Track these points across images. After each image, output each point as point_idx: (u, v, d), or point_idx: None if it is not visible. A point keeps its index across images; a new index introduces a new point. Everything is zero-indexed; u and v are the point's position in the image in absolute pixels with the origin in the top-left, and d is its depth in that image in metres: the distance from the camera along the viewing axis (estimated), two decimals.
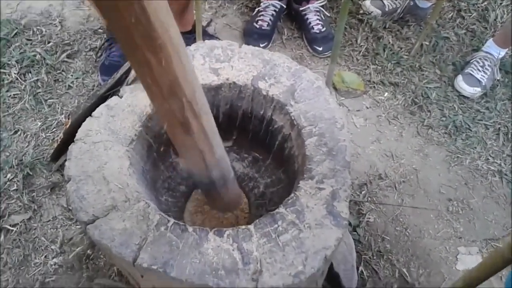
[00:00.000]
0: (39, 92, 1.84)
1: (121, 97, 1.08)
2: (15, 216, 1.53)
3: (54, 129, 1.74)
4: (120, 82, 1.10)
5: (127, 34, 0.64)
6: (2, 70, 1.88)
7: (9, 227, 1.51)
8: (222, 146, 0.95)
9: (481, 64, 1.97)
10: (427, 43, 2.11)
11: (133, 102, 1.07)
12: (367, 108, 1.92)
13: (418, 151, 1.81)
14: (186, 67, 0.73)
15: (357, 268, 1.47)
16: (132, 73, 1.09)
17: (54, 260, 1.45)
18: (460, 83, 1.95)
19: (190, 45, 1.17)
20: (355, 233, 1.57)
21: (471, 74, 1.95)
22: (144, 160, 1.11)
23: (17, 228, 1.51)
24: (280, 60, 1.16)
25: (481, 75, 1.94)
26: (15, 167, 1.63)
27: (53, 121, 1.76)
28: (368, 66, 2.04)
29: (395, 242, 1.58)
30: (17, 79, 1.87)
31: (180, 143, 0.89)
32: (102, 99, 1.08)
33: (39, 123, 1.76)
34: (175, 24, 0.68)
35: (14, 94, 1.83)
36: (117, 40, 0.65)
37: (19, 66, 1.89)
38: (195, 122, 0.82)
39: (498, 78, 2.00)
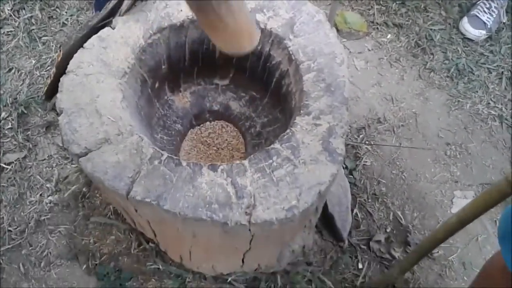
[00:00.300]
0: (33, 29, 1.79)
1: (113, 28, 1.05)
2: (10, 155, 1.53)
3: (49, 67, 1.70)
4: (112, 13, 1.06)
5: None
6: None
7: (4, 165, 1.50)
8: None
9: (488, 5, 1.90)
10: None
11: (126, 34, 1.04)
12: (369, 50, 1.87)
13: (419, 95, 1.78)
14: None
15: (352, 210, 1.48)
16: (125, 3, 1.04)
17: (50, 198, 1.46)
18: (465, 25, 1.90)
19: None
20: (351, 176, 1.57)
21: (477, 16, 1.89)
22: (138, 95, 1.08)
23: (12, 167, 1.50)
24: None
25: (487, 17, 1.88)
26: (10, 105, 1.61)
27: (48, 59, 1.72)
28: (372, 6, 1.97)
29: (391, 185, 1.58)
30: (10, 16, 1.81)
31: None
32: (94, 30, 1.04)
33: (34, 61, 1.72)
34: None
35: (8, 31, 1.79)
36: None
37: (13, 3, 1.83)
38: None
39: (504, 21, 1.94)
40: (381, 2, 1.98)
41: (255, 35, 0.88)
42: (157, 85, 1.18)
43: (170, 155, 0.92)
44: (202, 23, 0.75)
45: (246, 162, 0.92)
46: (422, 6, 1.98)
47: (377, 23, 1.93)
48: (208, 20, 0.73)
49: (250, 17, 0.84)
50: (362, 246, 1.44)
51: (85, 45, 1.03)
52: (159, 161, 0.90)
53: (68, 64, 1.01)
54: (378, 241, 1.45)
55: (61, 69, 1.11)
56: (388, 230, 1.48)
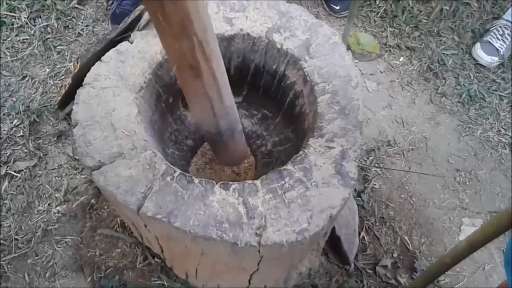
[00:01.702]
0: (49, 38, 1.81)
1: (131, 42, 1.05)
2: (20, 163, 1.53)
3: (63, 77, 1.72)
4: (131, 28, 1.07)
5: None
6: (11, 14, 1.84)
7: (13, 173, 1.50)
8: (231, 95, 0.92)
9: (501, 32, 1.91)
10: (447, 8, 2.04)
11: (144, 48, 1.04)
12: (381, 72, 1.88)
13: (430, 119, 1.78)
14: (198, 4, 0.70)
15: (359, 233, 1.47)
16: (144, 18, 1.05)
17: (58, 208, 1.46)
18: (478, 51, 1.90)
19: None
20: (359, 198, 1.56)
21: (490, 43, 1.90)
22: (152, 109, 1.09)
23: (21, 175, 1.51)
24: (296, 12, 1.12)
25: (500, 44, 1.89)
26: (22, 113, 1.62)
27: (62, 68, 1.74)
28: (385, 29, 1.98)
29: (399, 210, 1.57)
30: (26, 23, 1.83)
31: (189, 88, 0.86)
32: (112, 43, 1.05)
33: (48, 70, 1.73)
34: None
35: (23, 39, 1.80)
36: None
37: (29, 11, 1.85)
38: (205, 65, 0.79)
39: None
40: (394, 25, 1.99)
41: (246, 156, 1.19)
42: (171, 100, 1.18)
43: (182, 172, 0.91)
44: (212, 148, 1.01)
45: (258, 182, 0.92)
46: (435, 31, 1.99)
47: (390, 45, 1.94)
48: (217, 147, 0.98)
49: (245, 143, 1.10)
50: (368, 271, 1.43)
51: (102, 58, 1.03)
52: (171, 177, 0.90)
53: (84, 76, 1.02)
54: (385, 266, 1.44)
55: (77, 81, 1.12)
56: (395, 255, 1.47)
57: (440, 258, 1.00)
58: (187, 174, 0.91)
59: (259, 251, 0.87)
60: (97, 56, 1.03)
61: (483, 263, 1.49)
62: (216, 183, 0.91)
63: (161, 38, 0.76)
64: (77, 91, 0.99)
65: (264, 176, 0.93)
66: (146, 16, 1.04)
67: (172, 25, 0.70)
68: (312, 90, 1.05)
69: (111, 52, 1.04)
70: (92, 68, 1.02)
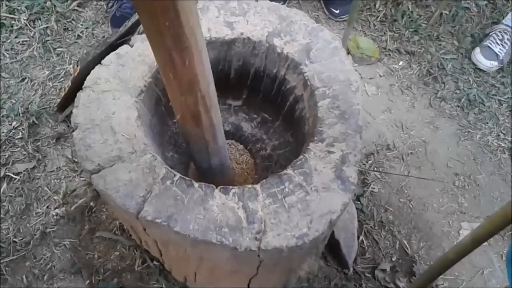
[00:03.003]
0: (48, 40, 1.81)
1: (132, 46, 1.05)
2: (19, 165, 1.53)
3: (62, 79, 1.71)
4: (131, 31, 1.07)
5: (159, 36, 0.69)
6: (11, 16, 1.84)
7: (12, 175, 1.50)
8: (223, 136, 1.01)
9: (500, 37, 1.92)
10: (447, 12, 2.05)
11: (144, 52, 1.04)
12: (381, 76, 1.88)
13: (429, 123, 1.78)
14: (205, 66, 0.79)
15: (358, 237, 1.47)
16: None
17: (56, 210, 1.45)
18: (477, 55, 1.91)
19: None
20: (358, 202, 1.56)
21: (489, 47, 1.90)
22: (152, 113, 1.09)
23: (20, 177, 1.50)
24: (297, 17, 1.13)
25: (500, 48, 1.89)
26: (21, 115, 1.61)
27: (61, 71, 1.74)
28: (385, 33, 1.98)
29: (398, 214, 1.57)
30: (26, 25, 1.83)
31: (190, 133, 0.95)
32: (113, 47, 1.05)
33: (47, 72, 1.73)
34: (200, 27, 0.73)
35: (22, 41, 1.80)
36: (148, 39, 0.72)
37: (29, 13, 1.85)
38: (206, 116, 0.88)
39: None
40: (394, 29, 2.00)
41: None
42: (170, 103, 1.18)
43: (182, 176, 0.91)
44: (202, 180, 1.01)
45: (258, 186, 0.92)
46: (434, 35, 1.99)
47: (389, 49, 1.94)
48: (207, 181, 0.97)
49: (232, 178, 1.19)
50: (367, 274, 1.43)
51: (103, 61, 1.03)
52: (171, 181, 0.90)
53: (84, 79, 1.02)
54: (384, 270, 1.44)
55: (77, 83, 1.12)
56: (393, 259, 1.47)
57: (444, 254, 0.99)
58: (187, 178, 0.91)
59: (258, 255, 0.87)
60: (97, 60, 1.03)
61: (482, 268, 1.49)
62: (216, 187, 0.91)
63: (169, 92, 0.85)
64: (77, 94, 0.98)
65: (264, 180, 0.93)
66: None
67: (181, 84, 0.79)
68: (312, 95, 1.05)
69: (111, 56, 1.04)
70: (92, 71, 1.02)
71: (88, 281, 1.34)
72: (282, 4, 1.89)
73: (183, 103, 0.85)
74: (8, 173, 1.50)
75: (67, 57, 1.77)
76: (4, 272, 1.34)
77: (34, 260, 1.37)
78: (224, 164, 1.08)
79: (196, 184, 0.91)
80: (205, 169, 1.07)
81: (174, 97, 0.86)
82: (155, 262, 1.35)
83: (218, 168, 1.07)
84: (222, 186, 0.92)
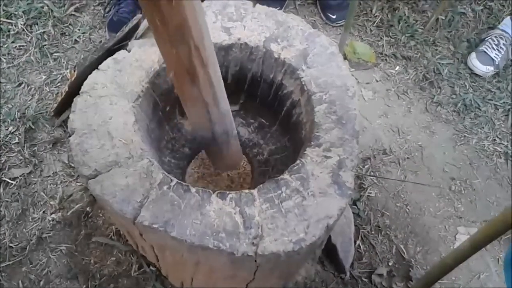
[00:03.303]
0: (45, 45, 1.80)
1: (129, 51, 1.05)
2: (15, 170, 1.52)
3: (59, 84, 1.71)
4: (128, 37, 1.07)
5: None
6: (8, 20, 1.84)
7: (8, 180, 1.49)
8: (226, 100, 0.92)
9: (496, 42, 1.93)
10: (443, 18, 2.06)
11: (141, 57, 1.04)
12: (377, 81, 1.89)
13: (425, 128, 1.78)
14: (196, 10, 0.71)
15: (355, 242, 1.47)
16: (141, 27, 1.06)
17: (53, 216, 1.45)
18: (474, 60, 1.91)
19: (202, 1, 1.14)
20: (355, 207, 1.56)
21: (485, 52, 1.91)
22: (149, 118, 1.09)
23: (16, 182, 1.50)
24: (294, 22, 1.13)
25: (495, 53, 1.90)
26: (18, 120, 1.61)
27: (58, 76, 1.73)
28: (381, 38, 1.99)
29: (394, 218, 1.57)
30: (23, 30, 1.83)
31: (185, 93, 0.87)
32: (110, 52, 1.05)
33: (44, 77, 1.73)
34: None
35: (19, 46, 1.80)
36: None
37: (26, 17, 1.85)
38: (202, 71, 0.80)
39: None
40: (390, 34, 2.01)
41: (240, 161, 1.20)
42: (168, 108, 1.18)
43: (179, 181, 0.91)
44: (208, 154, 1.01)
45: (255, 191, 0.92)
46: (431, 40, 2.00)
47: (386, 54, 1.95)
48: (212, 152, 0.97)
49: (239, 147, 1.10)
50: (364, 279, 1.43)
51: (100, 66, 1.03)
52: (168, 186, 0.90)
53: (81, 84, 1.02)
54: (380, 275, 1.44)
55: (74, 88, 1.12)
56: (390, 264, 1.47)
57: (442, 259, 1.00)
58: (184, 183, 0.91)
59: (255, 260, 0.87)
60: (95, 65, 1.03)
61: (478, 272, 1.49)
62: (213, 192, 0.91)
63: (159, 44, 0.77)
64: (74, 99, 0.98)
65: (261, 185, 0.93)
66: (143, 25, 1.05)
67: (170, 30, 0.71)
68: (309, 100, 1.05)
69: (109, 61, 1.04)
70: (90, 76, 1.02)
71: (84, 287, 1.33)
72: (279, 9, 1.90)
73: (175, 56, 0.77)
74: (4, 178, 1.49)
75: (64, 62, 1.77)
76: (0, 277, 1.33)
77: (30, 265, 1.36)
78: (229, 133, 1.00)
79: (193, 189, 0.91)
80: (209, 140, 1.00)
81: (164, 49, 0.78)
82: (151, 267, 1.35)
83: (223, 138, 1.00)
84: (219, 191, 0.92)
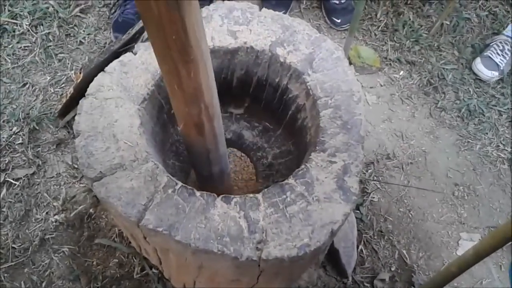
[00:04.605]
0: (50, 46, 1.81)
1: (135, 53, 1.05)
2: (19, 170, 1.52)
3: (63, 85, 1.71)
4: (134, 39, 1.07)
5: (166, 48, 0.69)
6: (13, 21, 1.84)
7: (12, 181, 1.50)
8: (225, 145, 1.01)
9: (501, 48, 1.92)
10: (448, 23, 2.06)
11: (147, 60, 1.05)
12: (381, 85, 1.88)
13: (429, 133, 1.78)
14: (209, 77, 0.80)
15: (357, 247, 1.47)
16: None
17: (56, 217, 1.45)
18: (478, 65, 1.91)
19: (208, 5, 1.14)
20: (358, 211, 1.56)
21: (490, 58, 1.91)
22: (154, 120, 1.09)
23: (20, 183, 1.50)
24: (300, 27, 1.13)
25: (500, 59, 1.90)
26: (22, 120, 1.61)
27: (63, 76, 1.74)
28: (385, 42, 1.99)
29: (397, 223, 1.57)
30: (28, 30, 1.83)
31: (192, 142, 0.95)
32: (116, 54, 1.05)
33: (48, 78, 1.73)
34: (206, 39, 0.74)
35: (24, 46, 1.80)
36: (154, 51, 0.73)
37: (31, 18, 1.85)
38: (208, 125, 0.88)
39: None
40: (395, 39, 2.01)
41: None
42: (173, 111, 1.18)
43: (184, 185, 0.91)
44: (203, 188, 1.00)
45: (259, 196, 0.92)
46: (435, 45, 2.00)
47: (390, 59, 1.95)
48: (207, 189, 0.97)
49: (230, 186, 1.17)
50: (366, 284, 1.43)
51: (106, 69, 1.03)
52: (173, 189, 0.90)
53: (87, 86, 1.02)
54: (383, 280, 1.43)
55: (79, 90, 1.12)
56: (392, 269, 1.47)
57: (446, 267, 1.00)
58: (188, 187, 0.91)
59: (259, 265, 0.86)
60: (101, 67, 1.03)
61: (481, 278, 1.49)
62: (217, 196, 0.91)
63: (173, 102, 0.85)
64: (80, 101, 0.98)
65: (265, 189, 0.93)
66: None
67: (185, 94, 0.79)
68: (315, 104, 1.05)
69: (115, 63, 1.04)
70: (95, 78, 1.02)
71: None
72: (284, 13, 1.90)
73: (187, 114, 0.86)
74: (7, 179, 1.49)
75: (68, 63, 1.77)
76: (3, 278, 1.33)
77: (33, 266, 1.36)
78: (224, 172, 1.08)
79: (197, 193, 0.91)
80: (205, 177, 1.07)
81: (178, 107, 0.86)
82: (154, 270, 1.35)
83: (218, 176, 1.07)
84: (223, 195, 0.92)
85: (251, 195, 0.92)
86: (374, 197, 1.61)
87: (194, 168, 1.10)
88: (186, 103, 0.82)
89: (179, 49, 0.69)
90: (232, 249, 0.84)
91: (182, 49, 0.69)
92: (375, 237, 1.53)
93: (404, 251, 1.51)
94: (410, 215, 1.59)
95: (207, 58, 0.77)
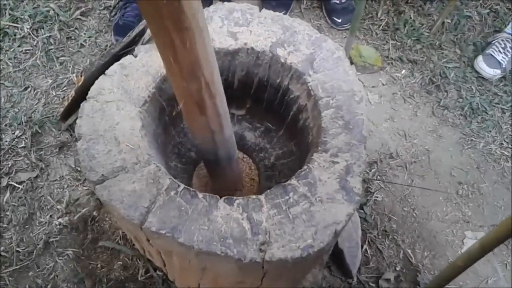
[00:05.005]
0: (51, 49, 1.81)
1: (135, 56, 1.05)
2: (22, 174, 1.52)
3: (65, 88, 1.72)
4: (135, 42, 1.07)
5: (157, 15, 0.65)
6: (14, 25, 1.84)
7: (15, 184, 1.50)
8: (231, 127, 0.96)
9: (503, 45, 1.92)
10: (449, 21, 2.05)
11: (148, 62, 1.04)
12: (383, 84, 1.88)
13: (432, 132, 1.78)
14: (208, 49, 0.75)
15: (362, 246, 1.46)
16: (148, 32, 1.06)
17: (59, 220, 1.45)
18: (480, 63, 1.91)
19: (208, 6, 1.14)
20: (362, 211, 1.56)
21: (492, 55, 1.90)
22: (156, 123, 1.09)
23: (23, 186, 1.50)
24: (300, 27, 1.13)
25: (502, 57, 1.89)
26: (24, 124, 1.61)
27: (64, 80, 1.74)
28: (387, 41, 1.99)
29: (401, 223, 1.57)
30: (29, 34, 1.83)
31: (194, 122, 0.91)
32: (116, 57, 1.05)
33: (50, 81, 1.74)
34: (202, 8, 0.70)
35: (25, 50, 1.81)
36: (146, 20, 0.68)
37: (32, 21, 1.86)
38: (210, 103, 0.84)
39: None
40: (396, 38, 2.00)
41: (239, 184, 1.19)
42: (174, 113, 1.18)
43: (186, 187, 0.91)
44: (210, 175, 1.01)
45: (262, 197, 0.92)
46: (437, 44, 1.99)
47: (391, 58, 1.94)
48: (214, 174, 0.98)
49: (240, 170, 1.11)
50: (371, 284, 1.42)
51: (106, 72, 1.03)
52: (175, 192, 0.90)
53: (88, 89, 1.02)
54: (388, 280, 1.43)
55: (80, 93, 1.12)
56: (397, 269, 1.46)
57: (453, 261, 0.99)
58: (191, 189, 0.91)
59: (263, 267, 0.86)
60: (101, 70, 1.03)
61: (486, 277, 1.49)
62: (220, 198, 0.91)
63: (170, 77, 0.81)
64: (81, 104, 0.98)
65: (268, 191, 0.93)
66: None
67: (182, 68, 0.75)
68: (316, 105, 1.05)
69: (115, 66, 1.04)
70: (96, 81, 1.02)
71: None
72: (284, 13, 1.90)
73: (186, 90, 0.81)
74: (11, 182, 1.50)
75: (70, 66, 1.78)
76: (7, 282, 1.34)
77: (37, 270, 1.36)
78: (232, 156, 1.04)
79: (200, 195, 0.90)
80: (212, 162, 1.03)
81: (176, 84, 0.82)
82: (158, 272, 1.35)
83: (226, 161, 1.03)
84: (226, 197, 0.91)
85: (254, 196, 0.92)
86: (378, 197, 1.60)
87: (200, 153, 1.05)
88: (183, 78, 0.78)
89: (171, 15, 0.65)
90: (235, 251, 0.84)
91: (175, 15, 0.66)
92: (380, 237, 1.52)
93: (409, 251, 1.51)
94: (414, 214, 1.58)
95: (204, 26, 0.72)
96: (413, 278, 1.45)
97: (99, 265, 1.37)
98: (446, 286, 1.11)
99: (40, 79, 1.74)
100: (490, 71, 1.89)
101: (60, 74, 1.76)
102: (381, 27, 2.02)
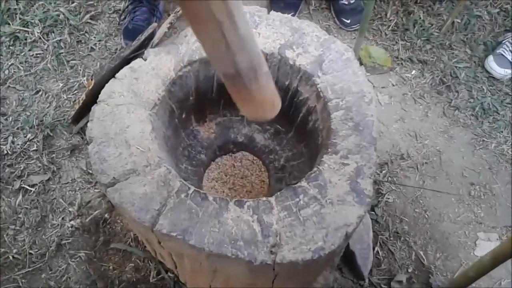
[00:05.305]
0: (62, 53, 1.82)
1: (145, 59, 1.06)
2: (34, 177, 1.54)
3: (76, 91, 1.73)
4: (144, 45, 1.08)
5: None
6: (25, 29, 1.86)
7: (27, 187, 1.51)
8: (248, 24, 0.70)
9: None
10: (459, 21, 2.04)
11: (158, 66, 1.05)
12: (393, 85, 1.87)
13: (443, 132, 1.76)
14: None
15: (373, 248, 1.45)
16: (157, 35, 1.06)
17: (71, 222, 1.46)
18: (491, 63, 1.89)
19: None
20: (373, 212, 1.55)
21: (503, 55, 1.88)
22: (166, 125, 1.09)
23: (35, 189, 1.51)
24: (309, 28, 1.13)
25: None
26: (36, 127, 1.63)
27: (75, 83, 1.75)
28: (396, 42, 1.98)
29: (413, 224, 1.56)
30: (40, 38, 1.85)
31: (193, 12, 0.64)
32: (126, 61, 1.06)
33: (61, 84, 1.75)
34: None
35: (36, 54, 1.82)
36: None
37: (42, 25, 1.87)
38: None
39: None
40: (406, 38, 1.99)
41: (277, 104, 0.87)
42: (184, 115, 1.19)
43: (197, 189, 0.91)
44: (233, 96, 0.78)
45: (272, 199, 0.92)
46: (447, 44, 1.98)
47: (401, 58, 1.93)
48: (239, 94, 0.77)
49: (274, 89, 0.83)
50: (383, 286, 1.41)
51: (117, 75, 1.04)
52: (185, 194, 0.90)
53: (99, 92, 1.03)
54: (400, 282, 1.42)
55: (91, 97, 1.13)
56: (409, 270, 1.45)
57: (464, 271, 0.98)
58: (201, 191, 0.91)
59: (273, 269, 0.86)
60: (111, 74, 1.03)
61: (499, 278, 1.47)
62: (230, 200, 0.91)
63: None
64: (92, 108, 0.99)
65: (278, 193, 0.93)
66: (159, 33, 1.05)
67: None
68: (326, 106, 1.04)
69: (125, 70, 1.05)
70: (106, 85, 1.03)
71: None
72: (292, 15, 1.90)
73: None
74: (23, 185, 1.51)
75: (80, 70, 1.79)
76: (20, 284, 1.35)
77: (50, 272, 1.37)
78: (257, 69, 0.75)
79: (210, 197, 0.91)
80: (233, 77, 0.74)
81: None
82: (169, 274, 1.35)
83: (250, 74, 0.74)
84: (236, 199, 0.92)
85: (264, 198, 0.92)
86: (389, 198, 1.59)
87: (216, 68, 0.81)
88: None
89: None
90: (246, 253, 0.84)
91: None
92: (391, 238, 1.51)
93: (421, 252, 1.50)
94: (426, 216, 1.57)
95: None
96: (425, 280, 1.44)
97: (111, 267, 1.38)
98: None
99: (51, 82, 1.76)
100: (501, 71, 1.87)
101: (70, 77, 1.77)
102: (390, 27, 2.01)
